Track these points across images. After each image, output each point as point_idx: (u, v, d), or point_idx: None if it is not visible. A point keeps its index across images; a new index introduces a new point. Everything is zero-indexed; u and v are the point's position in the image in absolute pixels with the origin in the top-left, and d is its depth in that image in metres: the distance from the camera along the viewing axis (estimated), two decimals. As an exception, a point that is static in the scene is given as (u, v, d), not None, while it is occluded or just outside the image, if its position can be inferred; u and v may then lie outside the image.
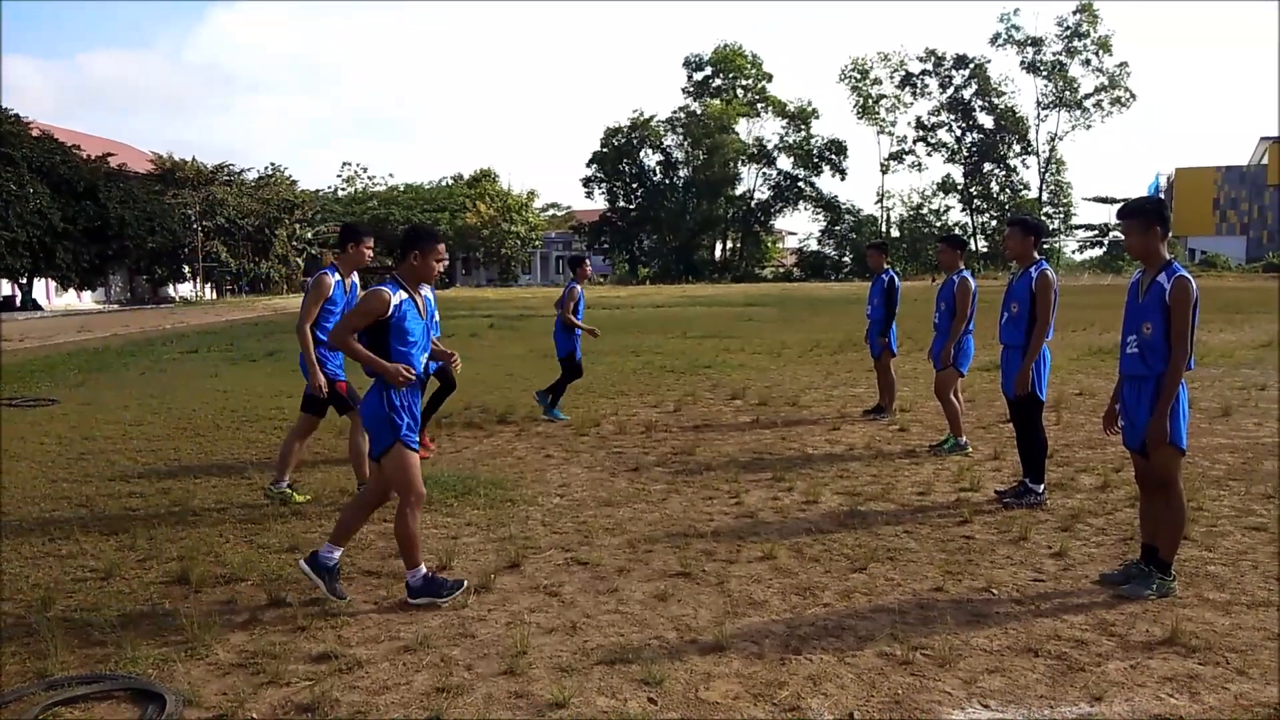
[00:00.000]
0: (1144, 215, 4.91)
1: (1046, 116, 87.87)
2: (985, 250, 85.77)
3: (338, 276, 6.98)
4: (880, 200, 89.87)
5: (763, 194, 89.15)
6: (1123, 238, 5.11)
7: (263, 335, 25.03)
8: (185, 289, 57.29)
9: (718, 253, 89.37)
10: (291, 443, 7.15)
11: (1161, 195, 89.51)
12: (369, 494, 5.13)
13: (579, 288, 10.84)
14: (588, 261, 11.59)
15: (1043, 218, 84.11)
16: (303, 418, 7.21)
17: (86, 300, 50.09)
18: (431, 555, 5.62)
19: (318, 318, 6.85)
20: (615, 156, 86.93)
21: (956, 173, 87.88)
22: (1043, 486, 6.68)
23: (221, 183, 59.23)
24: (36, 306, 42.93)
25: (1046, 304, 6.57)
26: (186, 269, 55.88)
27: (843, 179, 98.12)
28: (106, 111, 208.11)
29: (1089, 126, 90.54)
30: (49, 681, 3.99)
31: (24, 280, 42.39)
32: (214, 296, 57.11)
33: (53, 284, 45.97)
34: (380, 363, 4.78)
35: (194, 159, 58.93)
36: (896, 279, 10.67)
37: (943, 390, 8.50)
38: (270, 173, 64.21)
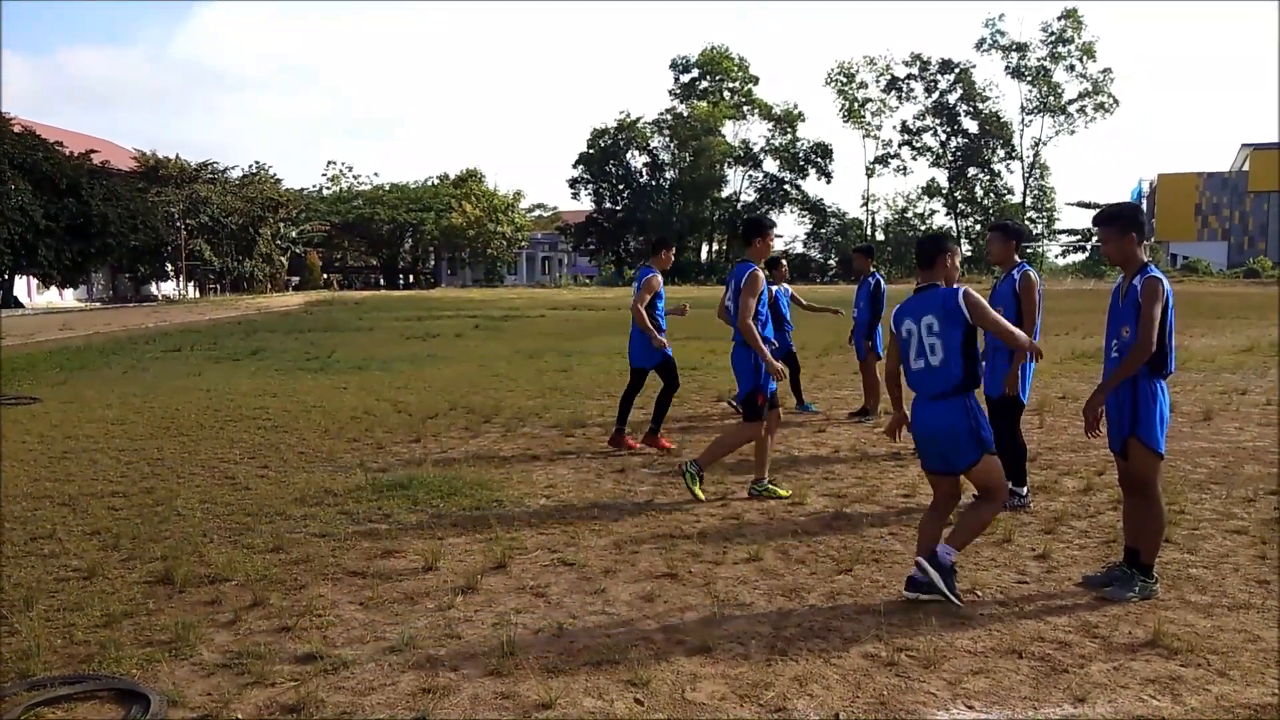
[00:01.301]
0: (1119, 221, 4.97)
1: (1030, 121, 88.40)
2: (969, 254, 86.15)
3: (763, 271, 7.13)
4: (865, 204, 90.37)
5: (749, 196, 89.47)
6: (1101, 244, 5.18)
7: (245, 334, 24.92)
8: (168, 287, 56.94)
9: (704, 255, 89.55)
10: (763, 441, 7.08)
11: (1142, 201, 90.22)
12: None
13: (774, 287, 11.13)
14: (784, 263, 11.99)
15: (1026, 222, 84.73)
16: (767, 419, 7.07)
17: (68, 298, 49.71)
18: (417, 556, 5.61)
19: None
20: (602, 158, 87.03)
21: (941, 177, 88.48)
22: (1025, 489, 6.72)
23: (205, 181, 58.88)
24: (18, 304, 42.58)
25: (1032, 304, 6.62)
26: (169, 267, 55.53)
27: (828, 182, 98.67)
28: (88, 108, 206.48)
29: (1072, 132, 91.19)
30: (31, 682, 3.96)
31: (5, 277, 42.04)
32: (197, 295, 56.77)
33: (34, 281, 45.62)
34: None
35: (178, 156, 58.61)
36: (882, 282, 10.73)
37: None
38: (254, 171, 63.91)
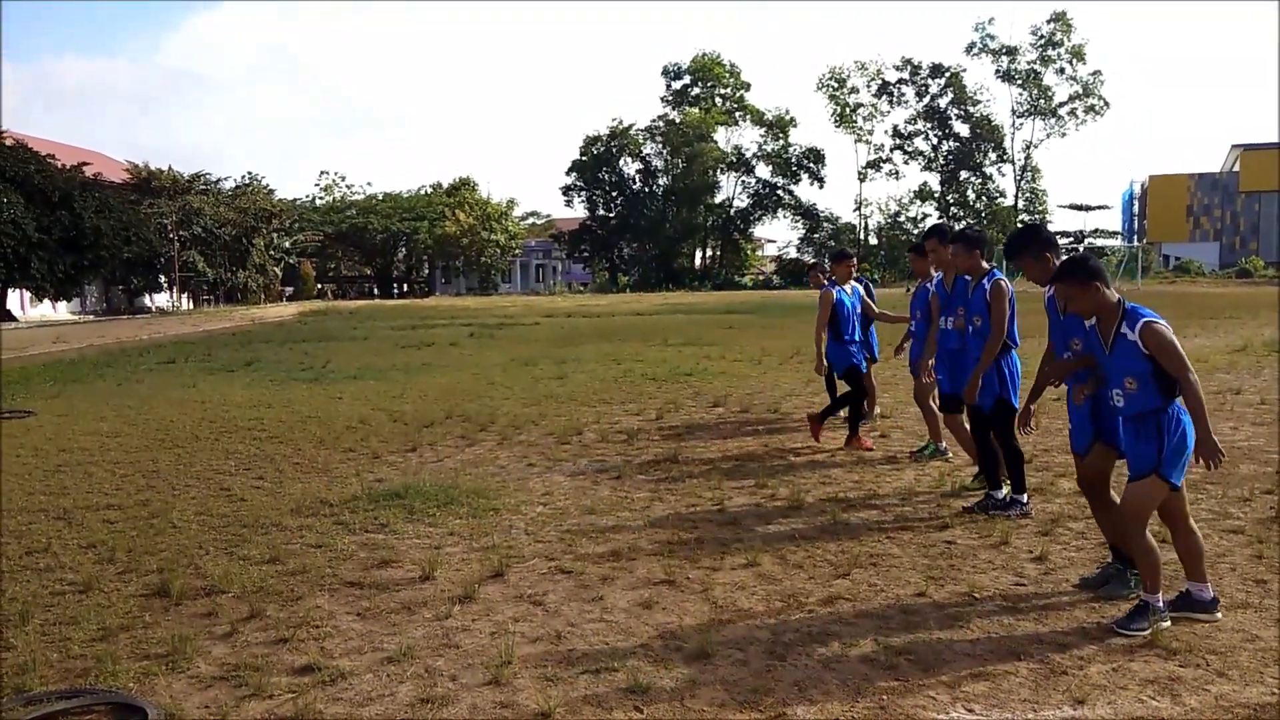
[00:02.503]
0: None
1: (1021, 125, 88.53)
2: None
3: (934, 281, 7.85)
4: (858, 208, 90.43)
5: (742, 202, 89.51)
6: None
7: (240, 345, 24.87)
8: (161, 299, 56.83)
9: (697, 260, 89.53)
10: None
11: (1134, 202, 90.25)
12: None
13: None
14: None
15: (1017, 225, 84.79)
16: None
17: (62, 311, 49.58)
18: (414, 566, 5.60)
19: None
20: (594, 165, 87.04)
21: (933, 181, 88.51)
22: (1026, 496, 6.69)
23: (198, 192, 58.79)
24: (11, 318, 42.47)
25: (1001, 313, 6.64)
26: (163, 279, 55.41)
27: (821, 187, 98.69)
28: (73, 115, 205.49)
29: (1064, 134, 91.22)
30: (28, 697, 3.94)
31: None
32: (191, 306, 56.68)
33: (27, 295, 45.51)
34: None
35: (170, 168, 58.52)
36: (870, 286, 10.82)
37: (922, 396, 8.55)
38: (247, 182, 63.86)
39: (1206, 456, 4.35)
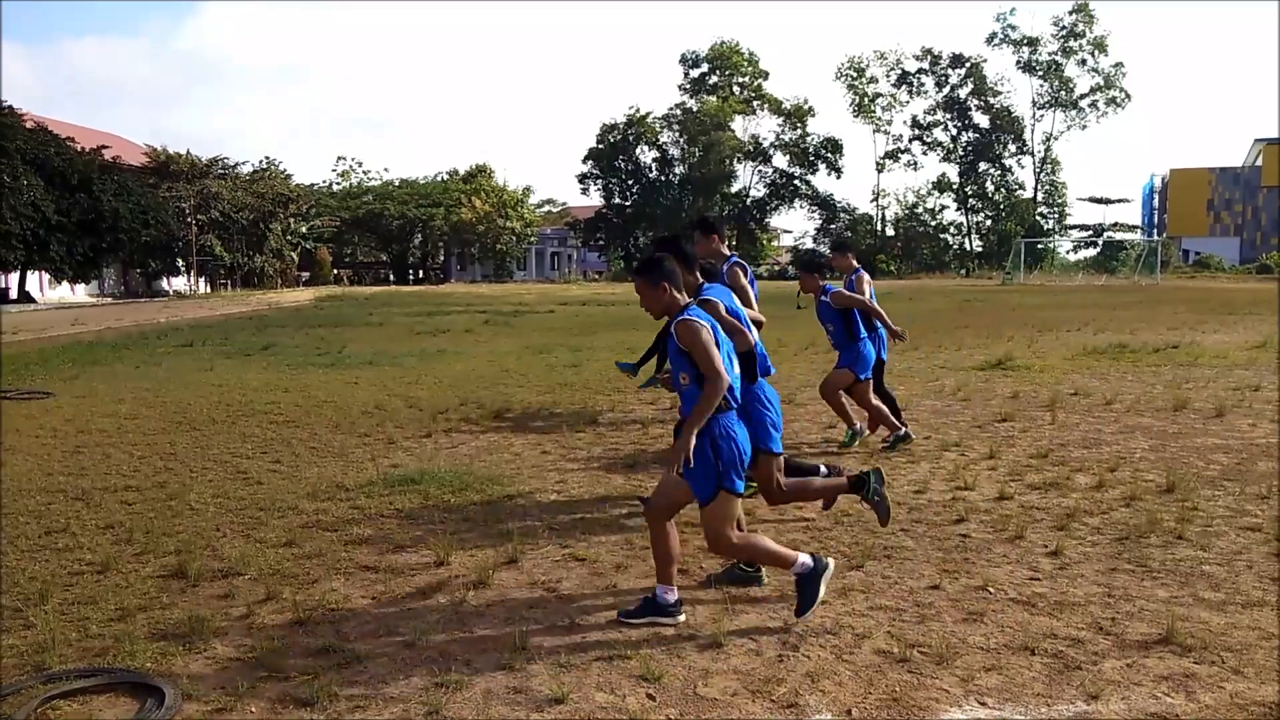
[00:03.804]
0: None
1: (1042, 116, 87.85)
2: (980, 250, 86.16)
3: None
4: (876, 199, 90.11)
5: (758, 191, 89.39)
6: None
7: (257, 329, 24.99)
8: (179, 283, 57.14)
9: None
10: None
11: (1154, 196, 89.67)
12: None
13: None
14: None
15: (1037, 218, 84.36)
16: None
17: (80, 293, 49.92)
18: (429, 551, 5.63)
19: None
20: (611, 153, 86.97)
21: (952, 172, 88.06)
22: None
23: (216, 176, 58.98)
24: (30, 299, 42.78)
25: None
26: (180, 262, 55.69)
27: (838, 177, 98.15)
28: (90, 100, 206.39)
29: (1084, 127, 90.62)
30: (47, 675, 3.98)
31: (17, 272, 42.24)
32: (208, 290, 56.98)
33: (46, 277, 45.82)
34: None
35: (189, 152, 58.73)
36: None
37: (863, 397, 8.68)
38: (265, 166, 64.03)
39: (672, 456, 4.34)
